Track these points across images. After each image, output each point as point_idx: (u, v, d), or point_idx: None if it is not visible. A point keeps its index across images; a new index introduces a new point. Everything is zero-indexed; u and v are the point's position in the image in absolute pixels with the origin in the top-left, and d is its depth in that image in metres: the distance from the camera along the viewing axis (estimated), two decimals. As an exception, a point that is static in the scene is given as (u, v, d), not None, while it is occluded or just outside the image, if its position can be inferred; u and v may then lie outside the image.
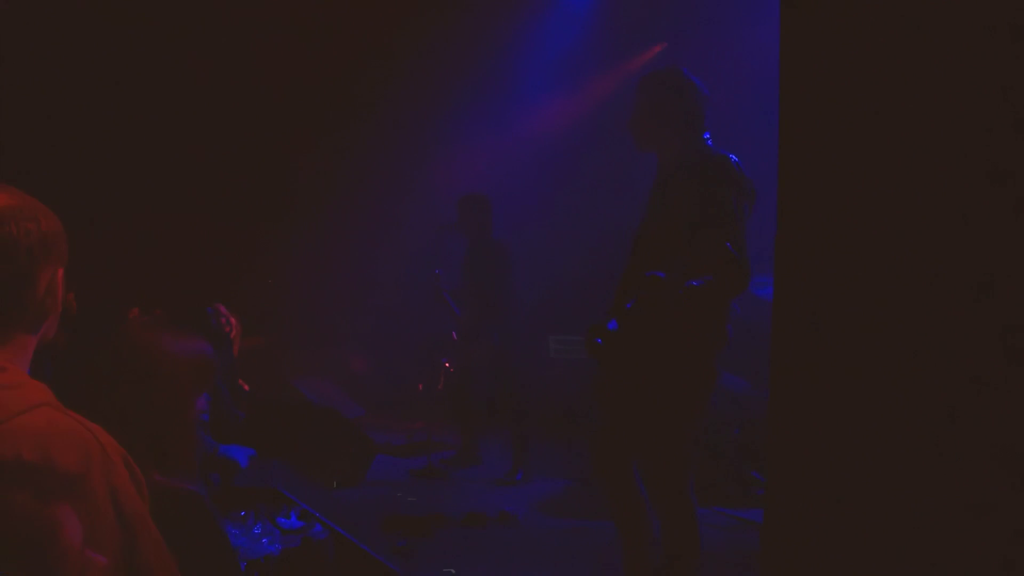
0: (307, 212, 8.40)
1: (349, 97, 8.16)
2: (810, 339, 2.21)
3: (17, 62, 6.26)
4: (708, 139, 3.31)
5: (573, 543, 4.49)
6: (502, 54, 7.99)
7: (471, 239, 6.06)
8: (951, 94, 2.03)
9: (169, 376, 2.19)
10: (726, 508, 4.84)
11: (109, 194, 7.22)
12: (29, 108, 6.48)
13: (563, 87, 8.09)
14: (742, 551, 4.22)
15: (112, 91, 7.14)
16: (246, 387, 5.09)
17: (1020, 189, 1.92)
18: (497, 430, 6.30)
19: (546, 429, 6.55)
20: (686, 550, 3.14)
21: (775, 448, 2.29)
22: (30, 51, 6.40)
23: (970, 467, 1.96)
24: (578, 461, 5.89)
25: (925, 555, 2.02)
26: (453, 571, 3.98)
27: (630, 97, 3.46)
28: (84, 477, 1.43)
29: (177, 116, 7.54)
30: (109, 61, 7.00)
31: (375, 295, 8.67)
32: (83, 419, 1.49)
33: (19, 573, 1.39)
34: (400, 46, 7.73)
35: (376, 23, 7.46)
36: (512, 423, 5.89)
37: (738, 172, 3.16)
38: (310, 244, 8.56)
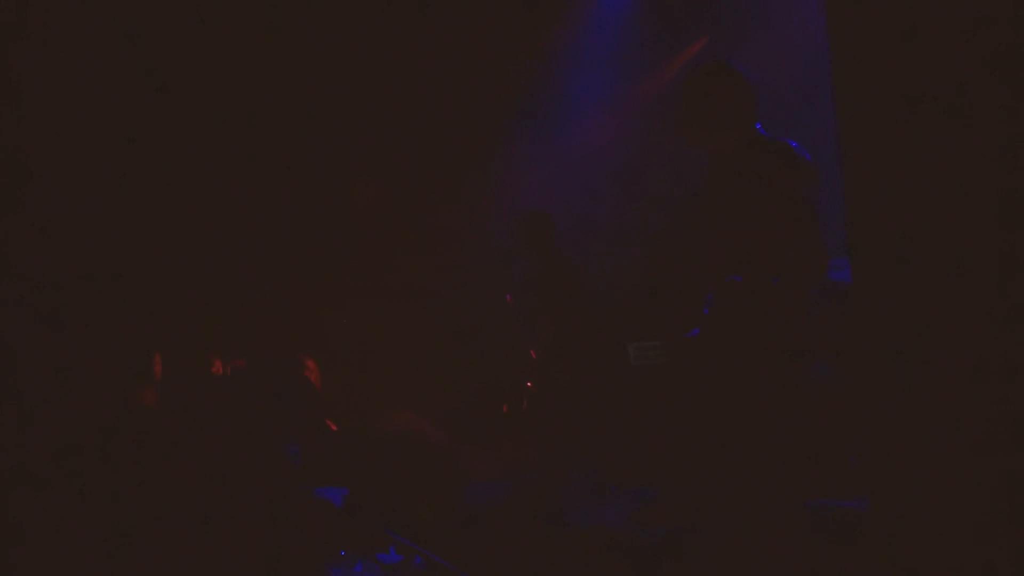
0: (366, 241, 8.44)
1: (397, 131, 8.21)
2: (890, 322, 2.15)
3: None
4: (760, 128, 3.27)
5: (676, 550, 4.43)
6: (544, 66, 7.99)
7: (537, 257, 6.05)
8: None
9: (256, 428, 2.22)
10: (827, 499, 4.72)
11: (187, 248, 7.35)
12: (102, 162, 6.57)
13: (609, 91, 8.05)
14: (848, 540, 4.11)
15: (193, 138, 7.25)
16: (333, 427, 5.16)
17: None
18: (585, 445, 6.26)
19: (633, 438, 6.48)
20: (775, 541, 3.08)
21: (873, 434, 2.23)
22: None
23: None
24: (668, 467, 5.81)
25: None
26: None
27: (677, 96, 3.44)
28: None
29: (242, 168, 7.67)
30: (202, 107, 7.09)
31: (448, 318, 8.68)
32: None
33: None
34: (440, 64, 7.75)
35: (413, 43, 7.46)
36: (597, 436, 5.85)
37: (801, 157, 3.11)
38: (375, 277, 8.60)
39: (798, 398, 3.16)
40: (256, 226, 7.88)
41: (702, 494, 3.29)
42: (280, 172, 7.86)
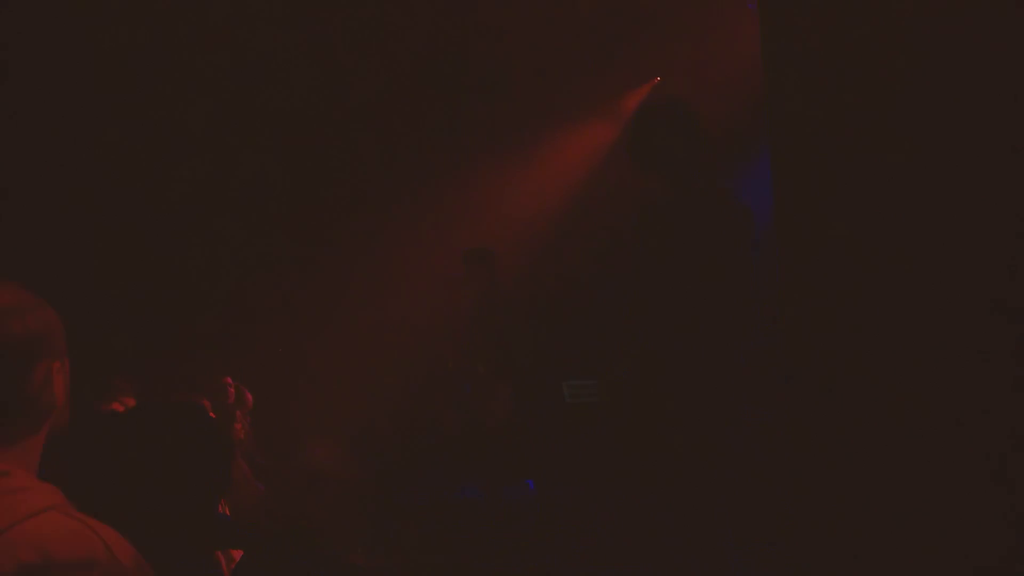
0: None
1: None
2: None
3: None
4: (713, 177, 3.20)
5: None
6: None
7: (478, 293, 5.98)
8: (937, 88, 2.02)
9: (181, 463, 2.12)
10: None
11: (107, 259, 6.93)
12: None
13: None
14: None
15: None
16: (262, 460, 4.98)
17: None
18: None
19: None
20: None
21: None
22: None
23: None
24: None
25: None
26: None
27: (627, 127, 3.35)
28: None
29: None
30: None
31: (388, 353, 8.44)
32: (92, 521, 1.43)
33: None
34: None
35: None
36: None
37: (739, 205, 3.05)
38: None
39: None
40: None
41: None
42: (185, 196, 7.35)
